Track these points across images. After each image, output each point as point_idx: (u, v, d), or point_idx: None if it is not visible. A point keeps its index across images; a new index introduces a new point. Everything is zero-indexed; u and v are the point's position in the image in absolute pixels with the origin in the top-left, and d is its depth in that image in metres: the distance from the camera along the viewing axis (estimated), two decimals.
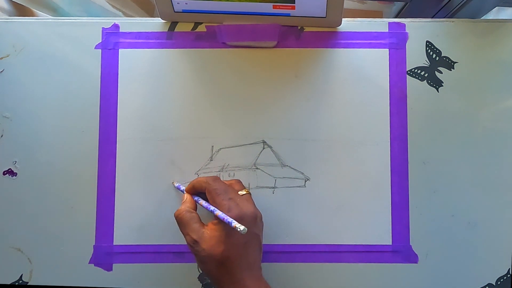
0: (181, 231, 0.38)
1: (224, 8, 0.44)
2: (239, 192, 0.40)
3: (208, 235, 0.36)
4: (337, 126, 0.45)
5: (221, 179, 0.41)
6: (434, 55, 0.46)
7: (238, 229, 0.33)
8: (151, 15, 0.63)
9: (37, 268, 0.45)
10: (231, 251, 0.36)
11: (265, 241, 0.45)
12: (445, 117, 0.45)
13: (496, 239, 0.45)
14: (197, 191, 0.41)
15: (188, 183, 0.41)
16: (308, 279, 0.45)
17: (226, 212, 0.36)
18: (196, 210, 0.39)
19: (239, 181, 0.42)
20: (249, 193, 0.40)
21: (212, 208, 0.37)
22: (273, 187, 0.45)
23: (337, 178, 0.45)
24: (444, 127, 0.45)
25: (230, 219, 0.35)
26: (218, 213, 0.36)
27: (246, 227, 0.34)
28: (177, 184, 0.44)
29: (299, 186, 0.45)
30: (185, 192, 0.42)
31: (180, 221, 0.38)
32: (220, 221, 0.36)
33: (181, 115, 0.46)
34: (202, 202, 0.40)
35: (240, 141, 0.46)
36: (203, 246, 0.36)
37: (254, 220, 0.37)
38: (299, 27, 0.46)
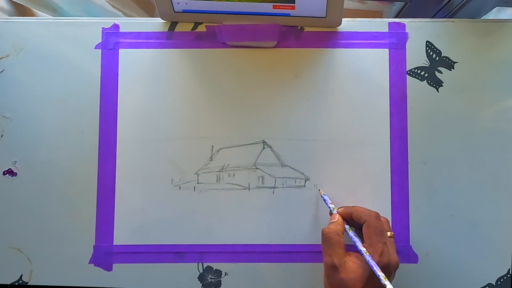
0: (323, 249, 0.39)
1: (224, 8, 0.44)
2: (387, 233, 0.39)
3: (349, 267, 0.36)
4: (337, 126, 0.45)
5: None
6: (434, 55, 0.46)
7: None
8: (151, 15, 0.63)
9: (37, 268, 0.45)
10: None
11: (265, 241, 0.45)
12: (445, 117, 0.45)
13: (496, 239, 0.45)
14: (350, 218, 0.40)
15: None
16: (308, 279, 0.45)
17: (379, 255, 0.36)
18: (343, 234, 0.39)
19: (388, 221, 0.41)
20: (393, 236, 0.40)
21: (361, 249, 0.37)
22: (273, 187, 0.45)
23: (337, 178, 0.45)
24: (444, 127, 0.45)
25: (380, 274, 0.34)
26: (369, 259, 0.36)
27: (387, 275, 0.35)
28: (324, 196, 0.44)
29: (299, 186, 0.45)
30: (337, 212, 0.41)
31: (328, 240, 0.38)
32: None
33: (181, 115, 0.46)
34: (353, 234, 0.39)
35: (240, 141, 0.46)
36: (341, 275, 0.36)
37: (395, 269, 0.38)
38: (299, 27, 0.46)
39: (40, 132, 0.46)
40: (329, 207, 0.42)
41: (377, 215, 0.39)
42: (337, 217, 0.40)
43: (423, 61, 0.46)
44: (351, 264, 0.37)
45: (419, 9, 0.52)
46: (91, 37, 0.46)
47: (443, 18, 0.51)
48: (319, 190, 0.45)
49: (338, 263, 0.37)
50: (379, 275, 0.34)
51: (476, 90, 0.46)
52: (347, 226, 0.40)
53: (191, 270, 0.45)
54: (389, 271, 0.36)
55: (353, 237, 0.39)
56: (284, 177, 0.45)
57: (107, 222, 0.45)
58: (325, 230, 0.39)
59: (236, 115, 0.46)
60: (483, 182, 0.45)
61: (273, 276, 0.45)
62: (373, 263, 0.35)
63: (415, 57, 0.46)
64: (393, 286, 0.34)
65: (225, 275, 0.45)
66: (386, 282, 0.34)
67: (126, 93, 0.46)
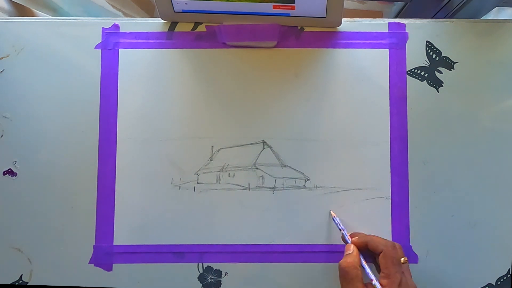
0: (341, 284, 0.38)
1: (224, 8, 0.44)
2: (401, 259, 0.38)
3: None
4: (337, 126, 0.45)
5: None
6: (434, 55, 0.46)
7: None
8: (151, 15, 0.63)
9: (37, 268, 0.45)
10: None
11: (265, 241, 0.45)
12: (445, 117, 0.45)
13: (496, 239, 0.45)
14: (365, 247, 0.39)
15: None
16: (308, 279, 0.45)
17: (397, 286, 0.35)
18: (359, 266, 0.38)
19: (401, 247, 0.40)
20: (407, 261, 0.39)
21: (378, 285, 0.36)
22: (273, 187, 0.45)
23: (337, 178, 0.45)
24: (444, 127, 0.45)
25: None
26: None
27: None
28: (336, 219, 0.43)
29: (299, 186, 0.45)
30: (351, 242, 0.40)
31: (346, 275, 0.37)
32: None
33: (181, 115, 0.46)
34: (367, 267, 0.38)
35: (240, 141, 0.46)
36: None
37: None
38: (299, 27, 0.46)
39: (40, 132, 0.46)
40: (345, 235, 0.41)
41: (394, 245, 0.38)
42: (352, 249, 0.39)
43: (423, 61, 0.46)
44: None
45: (419, 9, 0.52)
46: (91, 37, 0.46)
47: (443, 18, 0.51)
48: (330, 211, 0.44)
49: None
50: None
51: (476, 90, 0.46)
52: (362, 259, 0.39)
53: (191, 270, 0.45)
54: None
55: (370, 273, 0.37)
56: (284, 177, 0.45)
57: (107, 222, 0.45)
58: (342, 264, 0.38)
59: (236, 115, 0.46)
60: (483, 182, 0.45)
61: (273, 276, 0.45)
62: None
63: (415, 57, 0.46)
64: None
65: (225, 275, 0.45)
66: None
67: (126, 93, 0.46)
